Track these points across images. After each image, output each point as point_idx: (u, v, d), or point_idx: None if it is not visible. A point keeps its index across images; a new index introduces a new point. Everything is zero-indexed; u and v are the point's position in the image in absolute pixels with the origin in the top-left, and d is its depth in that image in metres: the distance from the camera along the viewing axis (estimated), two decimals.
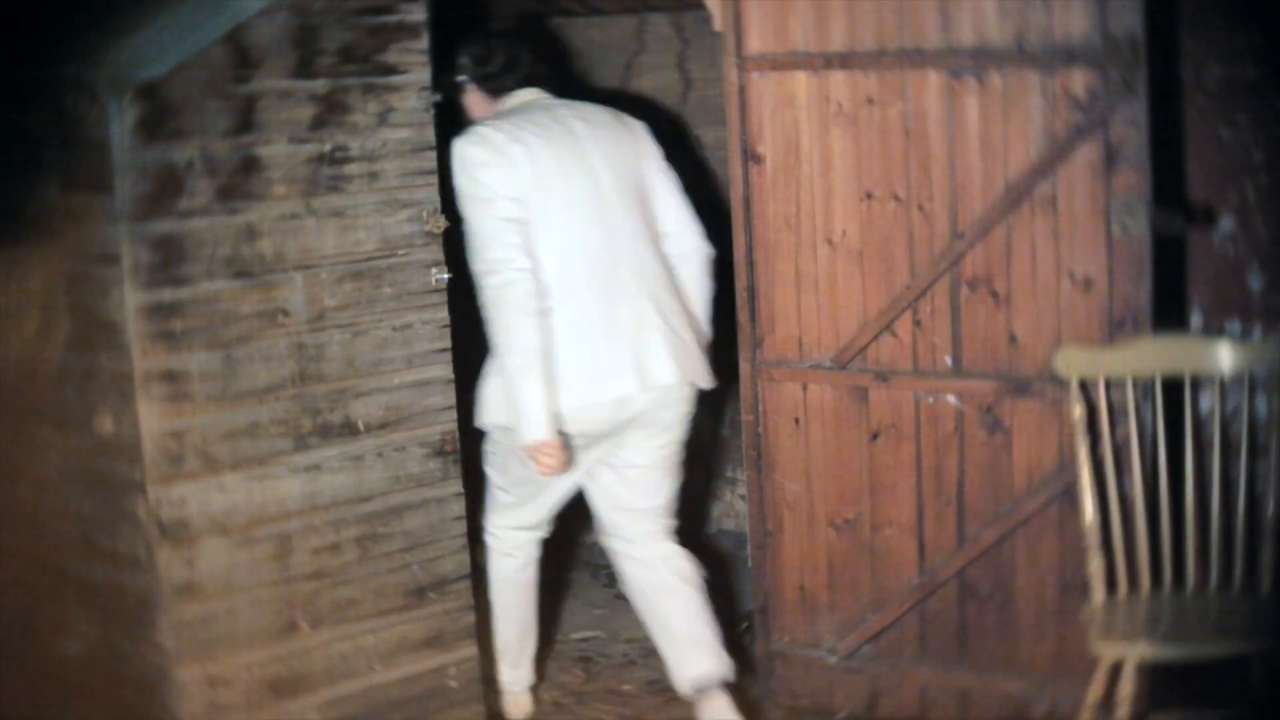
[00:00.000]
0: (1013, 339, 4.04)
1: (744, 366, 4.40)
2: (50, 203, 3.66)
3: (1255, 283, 4.28)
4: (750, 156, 4.29)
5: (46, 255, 3.69)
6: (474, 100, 4.19)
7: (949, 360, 4.13)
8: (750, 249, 4.33)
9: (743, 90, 4.26)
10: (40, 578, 3.93)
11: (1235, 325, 4.31)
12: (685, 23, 5.33)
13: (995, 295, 4.04)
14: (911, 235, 4.12)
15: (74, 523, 3.77)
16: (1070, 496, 3.96)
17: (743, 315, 4.38)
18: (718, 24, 4.29)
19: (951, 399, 4.14)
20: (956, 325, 4.11)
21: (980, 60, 3.96)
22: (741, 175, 4.30)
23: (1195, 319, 4.36)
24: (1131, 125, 3.81)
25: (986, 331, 4.07)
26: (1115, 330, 3.91)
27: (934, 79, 4.02)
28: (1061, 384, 3.91)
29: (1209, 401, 4.04)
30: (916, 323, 4.15)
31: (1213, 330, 4.32)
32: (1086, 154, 3.88)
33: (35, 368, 3.81)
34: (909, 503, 4.23)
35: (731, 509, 5.54)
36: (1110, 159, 3.85)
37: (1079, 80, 3.85)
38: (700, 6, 4.40)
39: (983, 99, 3.98)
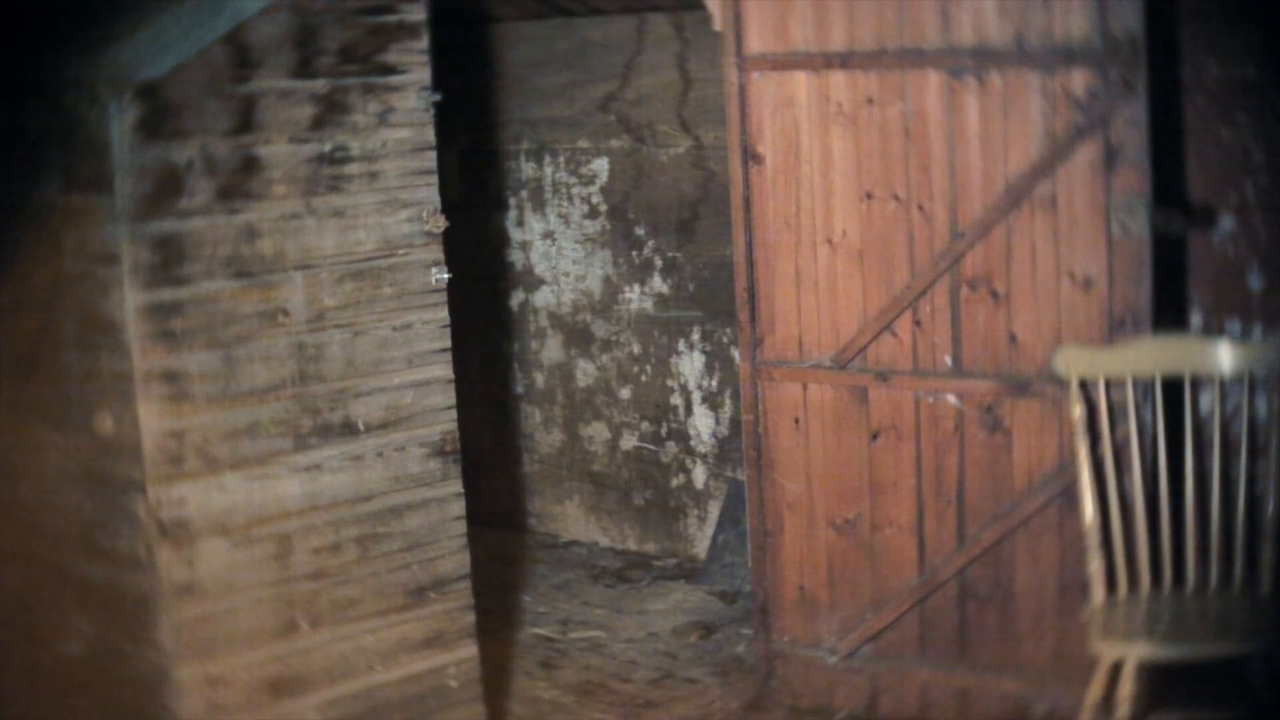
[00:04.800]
0: (1013, 339, 4.04)
1: (744, 366, 4.40)
2: (50, 203, 3.66)
3: (1255, 283, 4.27)
4: (750, 156, 4.29)
5: (46, 255, 3.69)
6: None
7: (949, 360, 4.13)
8: (750, 249, 4.33)
9: (743, 90, 4.27)
10: (40, 578, 3.93)
11: (1235, 325, 4.31)
12: (685, 23, 5.33)
13: (995, 295, 4.04)
14: (911, 235, 4.12)
15: (74, 523, 3.77)
16: (1070, 496, 3.96)
17: (743, 315, 4.38)
18: (718, 24, 4.29)
19: (951, 399, 4.14)
20: (956, 325, 4.11)
21: (980, 60, 3.96)
22: (741, 175, 4.30)
23: (1195, 319, 4.36)
24: (1131, 125, 3.81)
25: (986, 331, 4.07)
26: (1115, 330, 3.91)
27: (934, 79, 4.02)
28: (1061, 384, 3.91)
29: (1209, 401, 4.04)
30: (916, 322, 4.15)
31: (1213, 330, 4.32)
32: (1086, 154, 3.88)
33: (35, 368, 3.81)
34: (909, 503, 4.23)
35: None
36: (1110, 159, 3.85)
37: (1079, 80, 3.85)
38: (700, 6, 4.40)
39: (983, 99, 3.98)
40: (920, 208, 4.09)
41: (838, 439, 4.29)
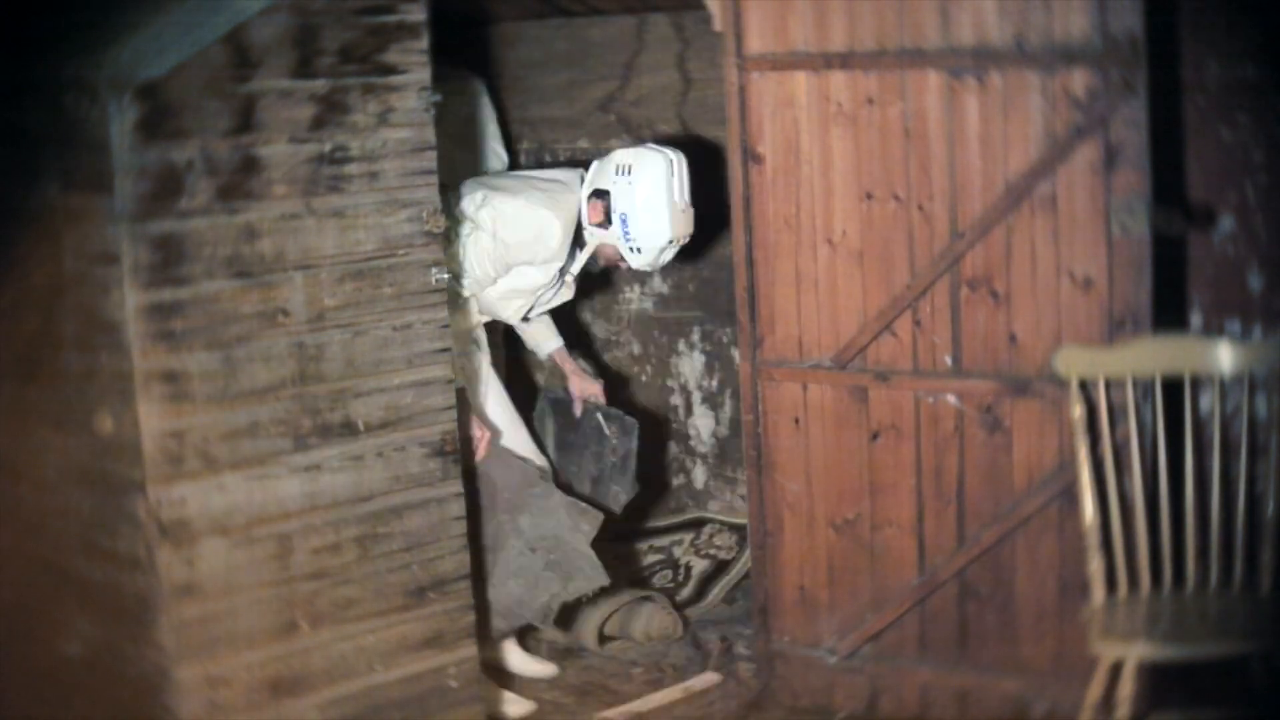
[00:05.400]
0: (1013, 339, 4.04)
1: (744, 366, 4.39)
2: (50, 203, 3.66)
3: (1255, 283, 4.27)
4: (750, 156, 4.28)
5: (46, 255, 3.69)
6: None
7: (949, 360, 4.13)
8: (750, 249, 4.32)
9: (743, 90, 4.26)
10: (40, 578, 3.93)
11: (1235, 325, 4.31)
12: (685, 23, 5.33)
13: (995, 295, 4.04)
14: (911, 235, 4.12)
15: (74, 523, 3.77)
16: (1070, 496, 3.96)
17: (743, 315, 4.37)
18: (718, 24, 4.29)
19: (951, 399, 4.13)
20: (956, 325, 4.10)
21: (980, 60, 3.96)
22: (741, 175, 4.30)
23: (1195, 319, 4.36)
24: (1131, 125, 3.81)
25: (986, 331, 4.07)
26: (1115, 330, 3.90)
27: (934, 79, 4.02)
28: (1061, 384, 3.91)
29: (1209, 401, 4.04)
30: (916, 322, 4.15)
31: (1213, 330, 4.31)
32: (1086, 154, 3.87)
33: (35, 368, 3.81)
34: (909, 503, 4.22)
35: (731, 509, 5.54)
36: (1110, 159, 3.85)
37: (1079, 80, 3.85)
38: (700, 6, 4.40)
39: (983, 99, 3.98)
40: (920, 208, 4.09)
41: (838, 439, 4.29)
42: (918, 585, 4.23)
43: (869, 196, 4.15)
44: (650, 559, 5.43)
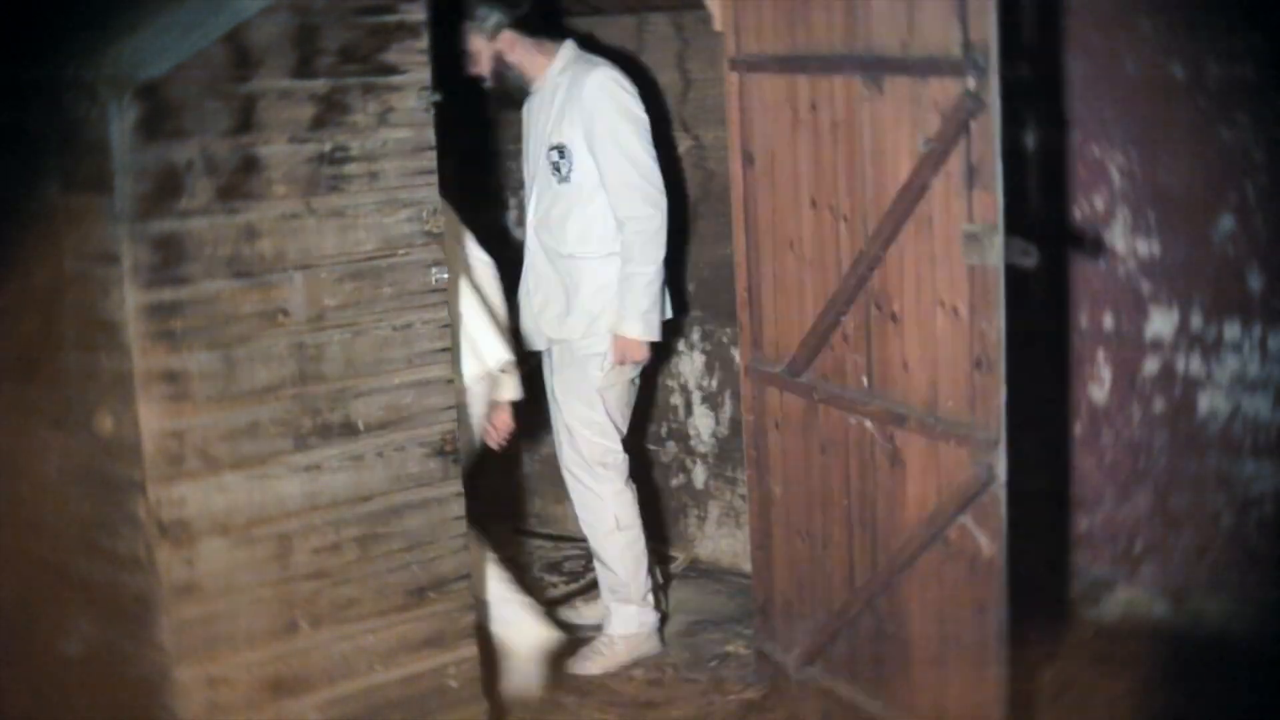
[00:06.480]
0: (905, 366, 3.77)
1: (744, 366, 4.38)
2: (50, 203, 3.66)
3: (1255, 283, 4.27)
4: (746, 157, 4.27)
5: (46, 255, 3.69)
6: (515, 47, 4.80)
7: (865, 381, 3.91)
8: (750, 249, 4.31)
9: (741, 90, 4.25)
10: (40, 578, 3.93)
11: (1235, 325, 4.31)
12: (685, 23, 5.34)
13: (894, 318, 3.78)
14: (839, 246, 3.92)
15: (74, 523, 3.77)
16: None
17: (743, 315, 4.36)
18: (717, 24, 4.29)
19: (867, 422, 3.91)
20: (869, 345, 3.87)
21: (877, 66, 3.69)
22: (741, 175, 4.30)
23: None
24: (984, 141, 3.42)
25: (889, 355, 3.82)
26: (973, 368, 3.55)
27: (855, 85, 3.78)
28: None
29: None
30: (845, 338, 3.96)
31: (1211, 330, 4.30)
32: (951, 172, 3.53)
33: (35, 368, 3.81)
34: (842, 522, 4.03)
35: (731, 508, 5.55)
36: (970, 179, 3.48)
37: (942, 91, 3.51)
38: (700, 6, 4.40)
39: (878, 107, 3.72)
40: (845, 218, 3.89)
41: (802, 447, 4.17)
42: (841, 607, 4.06)
43: (814, 204, 4.02)
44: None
